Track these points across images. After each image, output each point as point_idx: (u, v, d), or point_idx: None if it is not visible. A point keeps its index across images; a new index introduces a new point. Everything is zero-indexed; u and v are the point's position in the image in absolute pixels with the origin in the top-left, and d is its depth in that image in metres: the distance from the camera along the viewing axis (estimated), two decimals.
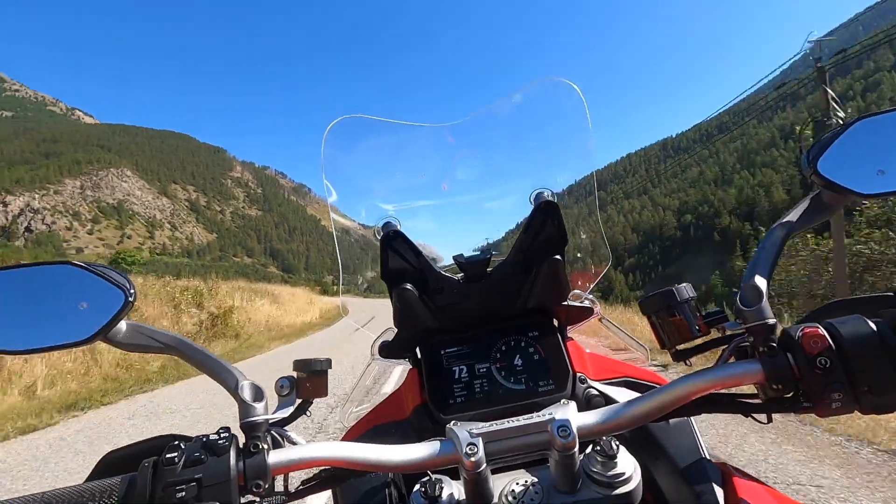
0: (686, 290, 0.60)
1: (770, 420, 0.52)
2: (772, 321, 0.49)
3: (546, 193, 0.68)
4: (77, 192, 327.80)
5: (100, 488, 0.45)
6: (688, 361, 0.62)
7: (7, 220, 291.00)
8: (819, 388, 0.44)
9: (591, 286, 0.88)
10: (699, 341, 0.60)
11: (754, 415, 0.52)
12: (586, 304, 0.78)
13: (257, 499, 0.47)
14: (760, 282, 0.52)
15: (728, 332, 0.57)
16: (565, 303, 0.75)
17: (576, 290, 0.80)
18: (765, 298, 0.51)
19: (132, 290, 0.53)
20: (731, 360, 0.54)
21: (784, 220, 0.58)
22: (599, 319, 0.84)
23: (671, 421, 0.65)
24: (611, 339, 0.91)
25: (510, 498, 0.55)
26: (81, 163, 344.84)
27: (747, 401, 0.52)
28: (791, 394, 0.47)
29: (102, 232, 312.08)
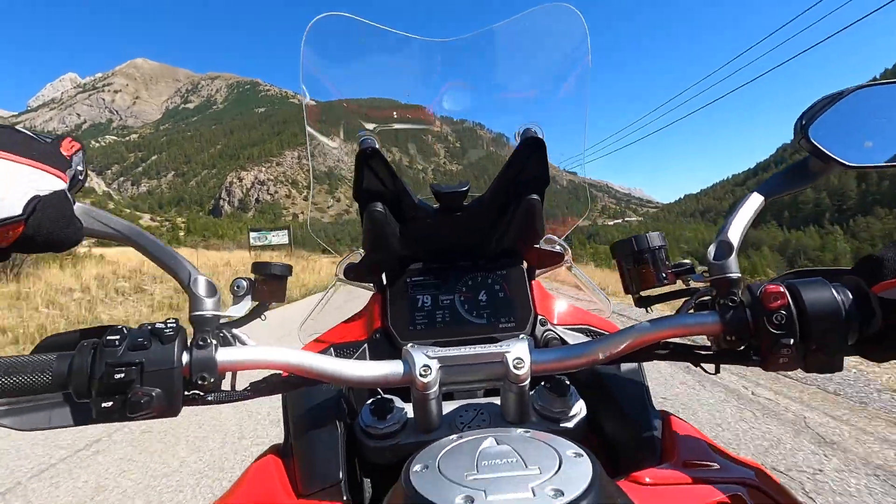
0: (657, 238, 0.60)
1: (718, 371, 0.53)
2: (735, 276, 0.50)
3: (534, 130, 0.64)
4: (295, 162, 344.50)
5: (34, 362, 0.42)
6: (649, 308, 0.62)
7: (243, 192, 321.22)
8: (770, 343, 0.45)
9: (567, 233, 0.86)
10: (664, 290, 0.59)
11: (703, 364, 0.53)
12: (558, 249, 0.77)
13: (201, 392, 0.46)
14: (733, 238, 0.52)
15: (693, 284, 0.57)
16: (537, 245, 0.75)
17: (549, 235, 0.78)
18: (734, 255, 0.51)
19: (76, 160, 0.48)
20: (692, 311, 0.54)
21: (766, 183, 0.57)
22: (568, 267, 0.84)
23: (622, 367, 0.66)
24: (575, 290, 0.92)
25: (458, 423, 0.56)
26: (298, 135, 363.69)
27: (699, 351, 0.53)
28: (743, 347, 0.49)
29: (316, 197, 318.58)
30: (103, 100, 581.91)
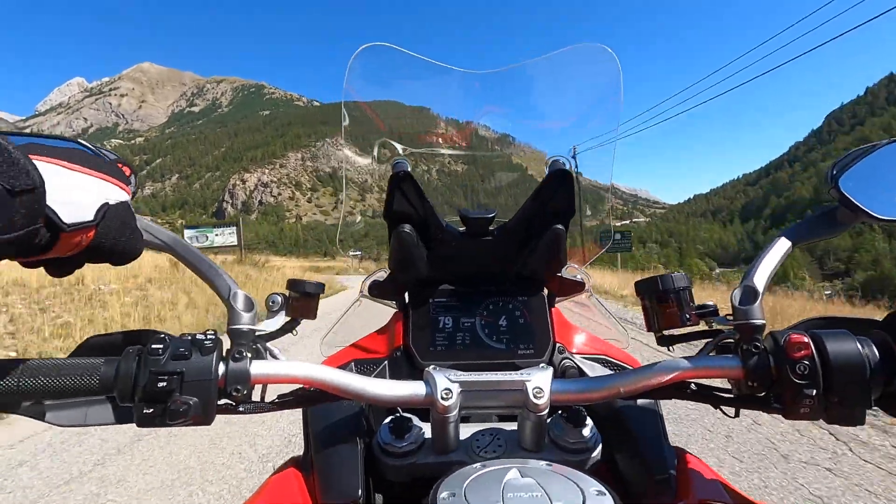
0: (682, 279, 0.60)
1: (737, 414, 0.53)
2: (760, 322, 0.50)
3: (562, 161, 0.66)
4: (298, 164, 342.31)
5: (82, 366, 0.44)
6: (671, 348, 0.62)
7: (246, 195, 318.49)
8: (793, 393, 0.45)
9: (588, 263, 0.90)
10: (686, 330, 0.60)
11: (723, 407, 0.54)
12: (579, 278, 0.79)
13: (234, 403, 0.49)
14: (759, 283, 0.52)
15: (716, 327, 0.57)
16: (559, 274, 0.76)
17: (572, 264, 0.80)
18: (759, 300, 0.51)
19: (132, 180, 0.50)
20: (713, 353, 0.55)
21: (794, 229, 0.58)
22: (588, 296, 0.86)
23: (639, 402, 0.66)
24: (595, 319, 0.93)
25: (475, 447, 0.57)
26: (301, 136, 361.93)
27: (720, 394, 0.53)
28: (763, 393, 0.49)
29: (320, 199, 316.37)
30: (110, 104, 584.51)
